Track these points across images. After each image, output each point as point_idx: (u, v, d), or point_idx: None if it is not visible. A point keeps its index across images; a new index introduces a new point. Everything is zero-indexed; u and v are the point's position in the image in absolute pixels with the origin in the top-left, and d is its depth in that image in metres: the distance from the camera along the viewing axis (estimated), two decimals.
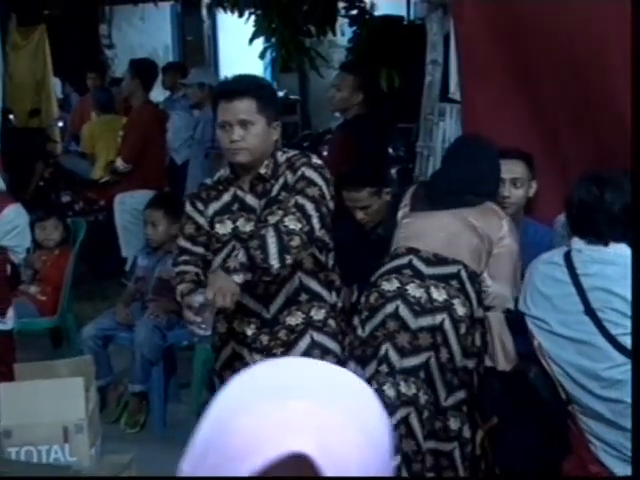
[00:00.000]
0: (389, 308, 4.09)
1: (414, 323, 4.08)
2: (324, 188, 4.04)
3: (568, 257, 4.17)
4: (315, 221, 3.92)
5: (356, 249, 4.54)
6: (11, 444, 3.91)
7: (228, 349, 4.28)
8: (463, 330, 4.17)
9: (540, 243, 4.55)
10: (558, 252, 4.27)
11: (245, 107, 4.03)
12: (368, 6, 9.48)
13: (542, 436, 4.39)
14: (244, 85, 4.16)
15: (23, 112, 12.64)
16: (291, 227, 3.84)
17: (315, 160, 4.17)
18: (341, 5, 8.94)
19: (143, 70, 9.20)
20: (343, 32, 9.91)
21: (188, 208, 4.34)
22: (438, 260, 4.18)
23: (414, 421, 4.06)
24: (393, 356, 4.06)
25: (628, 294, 4.00)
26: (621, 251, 4.11)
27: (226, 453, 1.20)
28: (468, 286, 4.20)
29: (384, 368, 4.07)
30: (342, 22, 9.49)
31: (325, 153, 8.25)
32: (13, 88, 11.40)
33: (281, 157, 4.20)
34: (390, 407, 3.99)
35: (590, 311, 4.08)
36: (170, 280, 6.42)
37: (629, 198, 4.08)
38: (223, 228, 4.17)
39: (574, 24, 4.79)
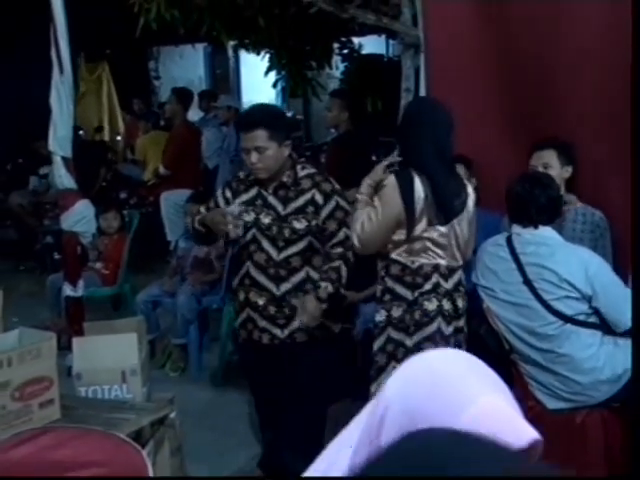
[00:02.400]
0: (434, 326, 3.92)
1: (447, 330, 3.96)
2: (348, 208, 4.17)
3: (509, 240, 4.17)
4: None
5: None
6: (81, 384, 3.90)
7: (244, 313, 4.27)
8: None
9: (486, 227, 4.52)
10: (501, 237, 4.26)
11: (259, 136, 4.00)
12: (356, 46, 9.50)
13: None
14: (257, 118, 4.09)
15: (90, 128, 12.65)
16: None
17: (336, 186, 4.20)
18: (335, 46, 8.99)
19: (183, 96, 9.20)
20: (337, 66, 9.88)
21: (218, 193, 4.37)
22: (450, 271, 3.99)
23: None
24: None
25: (556, 268, 4.00)
26: (549, 233, 4.13)
27: None
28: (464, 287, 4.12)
29: None
30: (336, 59, 9.50)
31: (323, 160, 8.33)
32: (81, 110, 11.40)
33: (301, 171, 4.17)
34: None
35: (527, 281, 4.07)
36: (204, 258, 6.47)
37: (552, 192, 4.12)
38: (248, 217, 4.13)
39: (542, 30, 4.70)
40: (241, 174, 4.37)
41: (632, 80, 3.80)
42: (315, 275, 4.15)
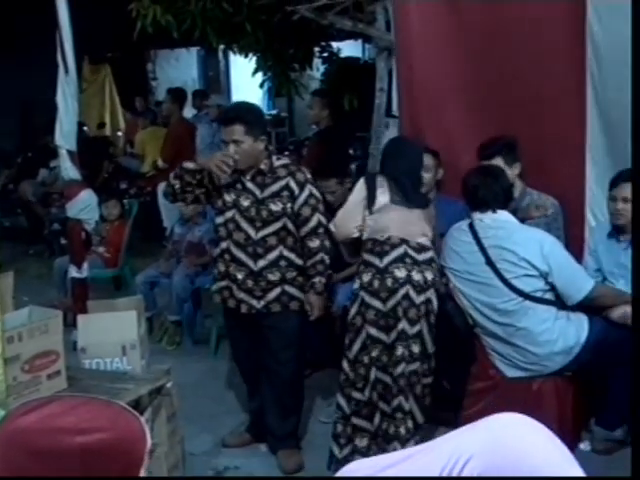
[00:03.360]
0: (402, 291, 3.97)
1: (417, 300, 3.99)
2: (319, 196, 4.24)
3: (471, 226, 4.19)
4: (326, 224, 4.22)
5: (329, 221, 4.51)
6: (85, 357, 3.89)
7: (224, 282, 4.29)
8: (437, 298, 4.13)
9: (447, 211, 4.54)
10: (464, 223, 4.27)
11: (236, 130, 4.05)
12: (335, 50, 9.49)
13: (457, 350, 4.40)
14: (236, 114, 4.17)
15: (93, 125, 12.57)
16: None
17: (309, 175, 4.22)
18: (316, 49, 8.97)
19: (177, 96, 9.21)
20: (318, 68, 9.85)
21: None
22: (421, 247, 4.07)
23: (413, 367, 4.00)
24: (407, 327, 3.99)
25: (515, 248, 4.03)
26: (506, 217, 4.17)
27: None
28: (436, 265, 4.16)
29: (400, 336, 3.99)
30: (317, 61, 9.48)
31: (305, 153, 8.31)
32: (86, 108, 11.32)
33: (277, 161, 4.22)
34: (403, 360, 3.99)
35: (490, 262, 4.09)
36: (197, 243, 6.45)
37: (503, 181, 4.22)
38: (228, 197, 4.18)
39: (509, 27, 4.70)
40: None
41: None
42: (288, 254, 4.18)
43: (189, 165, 4.23)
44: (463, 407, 4.29)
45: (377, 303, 4.01)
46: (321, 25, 6.43)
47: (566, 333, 4.04)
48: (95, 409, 2.30)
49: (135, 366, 3.94)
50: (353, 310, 4.11)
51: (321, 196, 4.34)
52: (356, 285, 4.12)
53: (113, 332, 3.96)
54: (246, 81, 10.46)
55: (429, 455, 1.12)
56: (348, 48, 10.49)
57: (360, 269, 4.13)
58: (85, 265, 6.00)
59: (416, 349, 4.00)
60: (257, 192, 4.14)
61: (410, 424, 4.03)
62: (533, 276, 4.03)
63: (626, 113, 4.44)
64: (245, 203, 4.14)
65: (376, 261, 4.04)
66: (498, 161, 4.54)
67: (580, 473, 1.06)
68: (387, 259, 4.02)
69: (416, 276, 3.99)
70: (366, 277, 4.05)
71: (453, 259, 4.27)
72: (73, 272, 5.98)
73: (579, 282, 4.07)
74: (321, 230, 4.16)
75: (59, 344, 3.53)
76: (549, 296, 4.08)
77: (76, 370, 3.78)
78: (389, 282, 3.98)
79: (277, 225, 4.14)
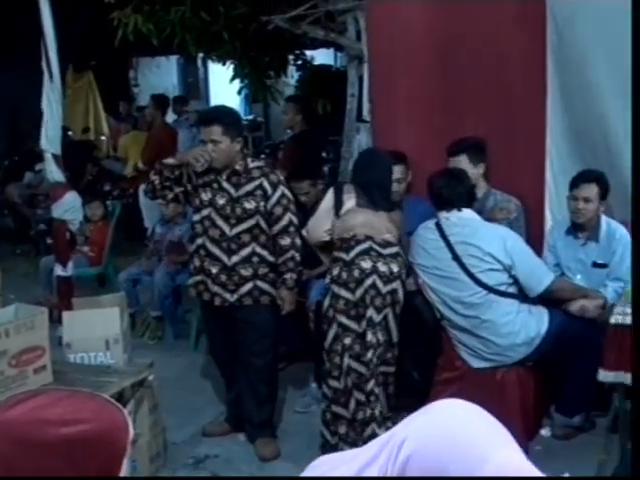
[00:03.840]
0: (369, 281, 4.00)
1: (384, 289, 4.02)
2: (291, 197, 4.26)
3: (438, 224, 4.21)
4: (297, 223, 4.23)
5: (302, 222, 4.52)
6: (70, 352, 3.88)
7: (199, 277, 4.29)
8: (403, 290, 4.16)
9: (416, 209, 4.57)
10: (431, 221, 4.29)
11: (214, 131, 4.07)
12: (308, 58, 9.51)
13: (424, 341, 4.42)
14: (214, 115, 4.24)
15: (78, 130, 12.48)
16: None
17: (281, 177, 4.26)
18: (290, 57, 8.98)
19: (160, 102, 9.18)
20: (292, 75, 9.87)
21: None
22: (386, 243, 4.10)
23: (374, 353, 4.03)
24: (374, 315, 4.01)
25: (480, 244, 4.07)
26: (470, 215, 4.20)
27: None
28: (402, 259, 4.17)
29: (369, 324, 4.00)
30: (291, 69, 9.50)
31: (280, 156, 8.31)
32: (70, 114, 11.25)
33: (251, 163, 4.24)
34: (371, 347, 4.02)
35: (456, 257, 4.11)
36: (177, 242, 6.43)
37: (466, 182, 4.24)
38: (205, 195, 4.19)
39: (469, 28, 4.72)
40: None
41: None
42: (260, 250, 4.20)
43: (168, 160, 4.27)
44: (430, 396, 4.30)
45: (346, 293, 4.04)
46: (295, 34, 6.47)
47: (528, 325, 4.07)
48: (79, 401, 2.29)
49: (118, 360, 3.93)
50: (326, 302, 4.15)
51: (294, 197, 4.37)
52: (327, 279, 4.18)
53: (97, 327, 3.95)
54: (224, 88, 10.45)
55: (376, 445, 1.12)
56: (321, 56, 10.51)
57: (330, 265, 4.20)
58: (70, 264, 5.95)
59: (381, 337, 4.03)
60: (232, 191, 4.16)
61: (385, 407, 4.05)
62: (497, 270, 4.06)
63: (588, 116, 4.48)
64: (221, 201, 4.15)
65: (343, 255, 4.10)
66: (463, 159, 4.56)
67: (516, 453, 1.05)
68: (353, 253, 4.07)
69: (382, 267, 4.04)
70: (335, 270, 4.10)
71: (421, 255, 4.28)
72: (58, 270, 5.93)
73: (539, 275, 4.11)
74: (292, 229, 4.19)
75: (45, 340, 3.51)
76: (512, 290, 4.11)
77: (61, 364, 3.77)
78: (356, 273, 4.03)
79: (250, 222, 4.15)
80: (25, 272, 8.13)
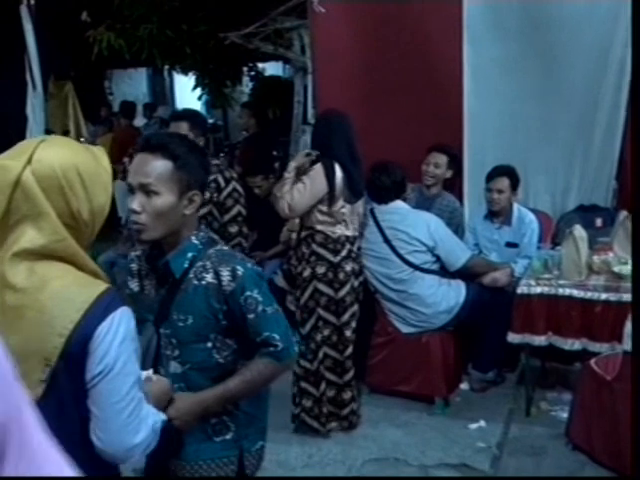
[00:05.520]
0: (350, 282, 3.80)
1: (355, 283, 3.86)
2: (242, 191, 4.03)
3: (372, 212, 4.18)
4: (245, 214, 3.98)
5: (256, 211, 4.43)
6: None
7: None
8: None
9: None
10: (367, 209, 4.25)
11: (182, 126, 3.96)
12: (260, 69, 9.47)
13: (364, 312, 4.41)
14: (183, 114, 4.19)
15: (59, 132, 12.18)
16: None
17: (234, 174, 4.09)
18: (245, 69, 9.01)
19: (124, 108, 9.37)
20: (247, 84, 9.82)
21: None
22: (354, 238, 3.88)
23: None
24: (355, 309, 3.86)
25: (407, 229, 4.06)
26: (400, 204, 4.15)
27: None
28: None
29: (353, 318, 3.85)
30: (245, 79, 9.47)
31: (237, 154, 8.26)
32: (51, 118, 10.99)
33: (211, 161, 4.14)
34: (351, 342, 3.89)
35: (387, 240, 4.09)
36: None
37: (395, 177, 4.10)
38: None
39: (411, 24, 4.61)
40: None
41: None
42: (211, 235, 4.09)
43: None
44: (368, 357, 4.30)
45: (330, 291, 3.79)
46: (248, 49, 6.43)
47: (448, 296, 4.09)
48: None
49: None
50: (306, 294, 3.84)
51: (249, 190, 4.27)
52: (307, 273, 3.83)
53: None
54: (187, 95, 10.30)
55: None
56: (271, 68, 10.42)
57: (312, 259, 3.81)
58: None
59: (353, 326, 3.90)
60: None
61: (355, 392, 3.95)
62: (422, 251, 4.06)
63: (501, 119, 4.51)
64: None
65: (330, 256, 3.79)
66: (443, 158, 4.62)
67: None
68: (339, 257, 3.79)
69: (356, 266, 3.88)
70: (320, 269, 3.79)
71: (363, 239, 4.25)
72: None
73: (458, 253, 4.13)
74: (240, 219, 4.03)
75: None
76: (435, 267, 4.12)
77: None
78: (341, 276, 3.80)
79: (203, 210, 4.05)
80: None
